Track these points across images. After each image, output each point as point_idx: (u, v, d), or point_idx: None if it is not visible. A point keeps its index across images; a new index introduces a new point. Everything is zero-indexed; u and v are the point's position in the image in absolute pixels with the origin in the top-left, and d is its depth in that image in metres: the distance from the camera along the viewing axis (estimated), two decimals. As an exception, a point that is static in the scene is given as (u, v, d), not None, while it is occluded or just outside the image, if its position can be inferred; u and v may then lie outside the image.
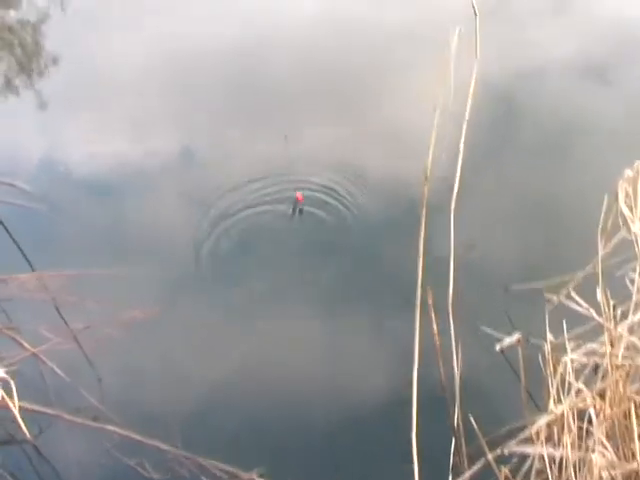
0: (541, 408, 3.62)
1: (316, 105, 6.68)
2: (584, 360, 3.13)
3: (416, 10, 8.07)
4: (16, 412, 3.88)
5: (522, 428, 3.48)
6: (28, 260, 5.19)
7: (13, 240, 5.30)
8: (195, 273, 5.02)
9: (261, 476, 3.86)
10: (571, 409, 2.88)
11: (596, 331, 3.67)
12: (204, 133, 6.50)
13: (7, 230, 5.36)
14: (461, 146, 3.04)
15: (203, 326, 4.70)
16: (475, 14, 2.69)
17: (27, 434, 4.05)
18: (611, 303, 2.97)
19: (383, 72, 7.07)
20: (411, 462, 3.71)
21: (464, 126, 2.59)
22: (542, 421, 2.86)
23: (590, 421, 3.11)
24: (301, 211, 5.41)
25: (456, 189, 3.06)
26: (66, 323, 4.72)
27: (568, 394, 3.06)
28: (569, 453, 2.67)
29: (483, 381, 4.03)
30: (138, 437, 4.02)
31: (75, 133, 6.54)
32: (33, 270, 5.08)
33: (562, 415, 2.85)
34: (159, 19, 8.33)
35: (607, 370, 3.12)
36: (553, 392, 2.93)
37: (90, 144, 6.27)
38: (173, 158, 6.18)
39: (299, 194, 5.42)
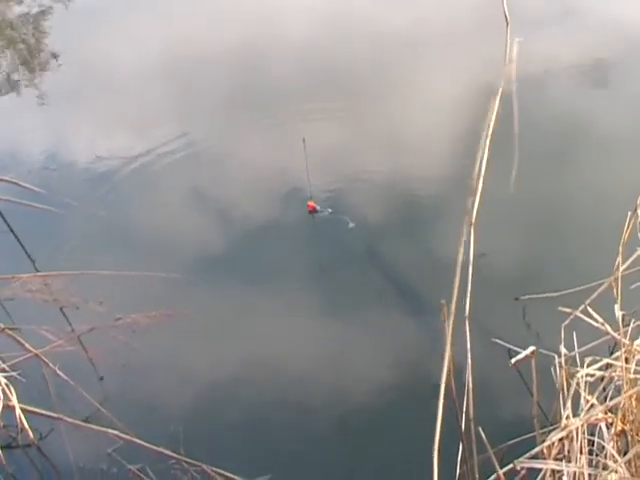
0: (550, 419, 3.59)
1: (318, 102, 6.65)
2: (597, 374, 3.09)
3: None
4: (21, 414, 3.84)
5: (532, 439, 3.48)
6: (31, 259, 5.16)
7: (16, 238, 5.28)
8: (202, 275, 4.95)
9: (266, 484, 3.82)
10: (583, 425, 2.84)
11: (608, 343, 3.66)
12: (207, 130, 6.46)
13: (10, 228, 5.34)
14: (484, 161, 2.99)
15: (209, 331, 4.64)
16: (507, 22, 2.64)
17: (31, 436, 4.01)
18: (627, 319, 2.93)
19: (386, 72, 7.06)
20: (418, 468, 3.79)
21: (486, 141, 2.52)
22: (555, 437, 2.82)
23: (602, 435, 3.08)
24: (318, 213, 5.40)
25: (477, 203, 3.01)
26: (69, 324, 4.69)
27: (581, 409, 3.02)
28: (585, 470, 2.62)
29: (492, 390, 3.99)
30: (141, 442, 3.97)
31: (79, 131, 6.51)
32: (36, 270, 5.04)
33: (575, 430, 2.81)
34: (162, 16, 8.31)
35: (620, 385, 3.08)
36: (566, 407, 2.89)
37: (94, 142, 6.25)
38: (177, 155, 6.15)
39: (310, 203, 5.40)
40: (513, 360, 3.06)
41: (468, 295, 3.20)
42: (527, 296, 4.21)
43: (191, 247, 5.18)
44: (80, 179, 5.91)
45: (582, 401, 3.05)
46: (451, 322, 2.48)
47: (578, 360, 3.34)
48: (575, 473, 2.68)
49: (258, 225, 5.36)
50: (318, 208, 5.40)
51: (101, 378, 4.42)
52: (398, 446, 3.95)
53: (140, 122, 6.58)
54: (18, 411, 3.89)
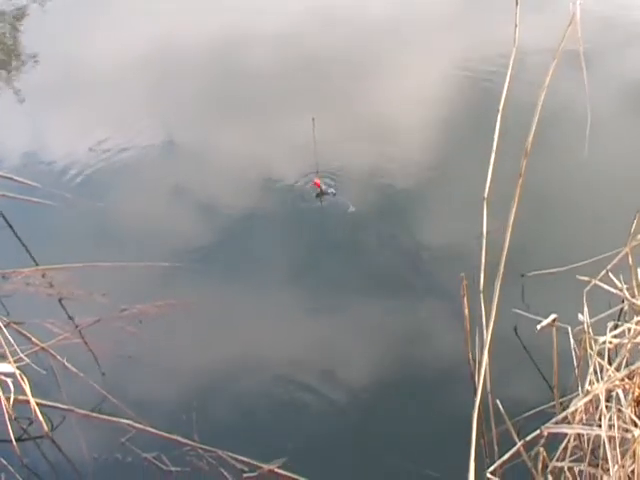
0: (560, 390, 3.66)
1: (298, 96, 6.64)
2: (615, 342, 3.15)
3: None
4: (35, 407, 3.83)
5: (540, 413, 3.55)
6: (30, 254, 5.11)
7: (14, 233, 5.24)
8: (203, 265, 4.94)
9: (282, 467, 3.82)
10: (606, 390, 2.90)
11: (612, 318, 3.73)
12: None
13: (8, 223, 5.30)
14: (496, 136, 3.06)
15: (218, 318, 4.65)
16: (516, 3, 2.70)
17: (45, 429, 4.00)
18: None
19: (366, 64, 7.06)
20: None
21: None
22: (580, 402, 2.88)
23: (619, 402, 3.14)
24: (323, 193, 5.41)
25: (489, 179, 3.08)
26: (72, 317, 4.65)
27: (600, 375, 3.09)
28: (616, 433, 2.68)
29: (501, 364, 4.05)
30: (154, 430, 3.97)
31: (70, 125, 6.45)
32: (36, 264, 4.99)
33: (599, 394, 2.87)
34: (141, 13, 8.25)
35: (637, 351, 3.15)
36: (589, 372, 2.96)
37: (86, 136, 6.22)
38: (168, 149, 6.13)
39: (317, 180, 5.42)
40: (539, 326, 3.13)
41: (482, 273, 3.29)
42: (532, 272, 4.28)
43: (190, 235, 5.16)
44: (74, 172, 5.83)
45: (603, 368, 3.11)
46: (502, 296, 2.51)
47: (590, 330, 3.41)
48: (606, 437, 2.73)
49: (257, 210, 5.38)
50: (323, 187, 5.41)
51: (103, 374, 4.37)
52: (411, 427, 4.00)
53: (133, 114, 6.54)
54: (33, 404, 3.87)
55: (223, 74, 7.04)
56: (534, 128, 2.57)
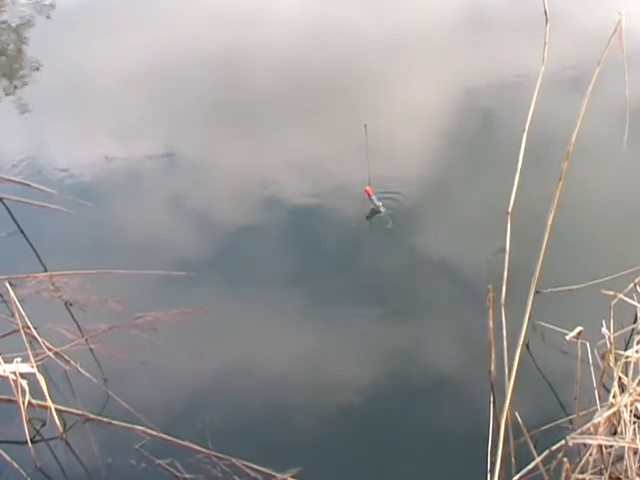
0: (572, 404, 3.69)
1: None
2: (637, 356, 3.20)
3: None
4: (53, 410, 3.83)
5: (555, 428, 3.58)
6: (41, 260, 5.12)
7: (27, 239, 5.25)
8: (219, 274, 4.98)
9: (296, 476, 3.82)
10: (631, 403, 2.94)
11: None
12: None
13: (21, 229, 5.32)
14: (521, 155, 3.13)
15: (233, 328, 4.66)
16: (546, 20, 2.78)
17: (60, 430, 4.00)
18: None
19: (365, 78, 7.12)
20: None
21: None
22: (605, 414, 2.91)
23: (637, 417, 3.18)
24: (377, 210, 5.33)
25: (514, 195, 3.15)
26: (84, 323, 4.65)
27: (623, 388, 3.13)
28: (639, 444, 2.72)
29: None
30: (167, 437, 3.97)
31: (84, 133, 6.49)
32: (46, 270, 4.99)
33: (624, 407, 2.91)
34: (145, 26, 8.30)
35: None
36: (614, 385, 3.00)
37: (101, 144, 6.26)
38: (185, 160, 6.16)
39: (368, 189, 5.28)
40: (567, 337, 3.18)
41: (504, 287, 3.37)
42: (549, 289, 4.32)
43: (206, 246, 5.20)
44: (90, 180, 5.89)
45: (623, 381, 3.16)
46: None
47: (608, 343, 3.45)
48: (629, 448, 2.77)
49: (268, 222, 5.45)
50: (374, 198, 5.30)
51: (115, 380, 4.36)
52: (427, 436, 4.02)
53: (149, 123, 6.60)
54: (51, 406, 3.87)
55: (225, 86, 7.08)
56: (576, 132, 2.63)
